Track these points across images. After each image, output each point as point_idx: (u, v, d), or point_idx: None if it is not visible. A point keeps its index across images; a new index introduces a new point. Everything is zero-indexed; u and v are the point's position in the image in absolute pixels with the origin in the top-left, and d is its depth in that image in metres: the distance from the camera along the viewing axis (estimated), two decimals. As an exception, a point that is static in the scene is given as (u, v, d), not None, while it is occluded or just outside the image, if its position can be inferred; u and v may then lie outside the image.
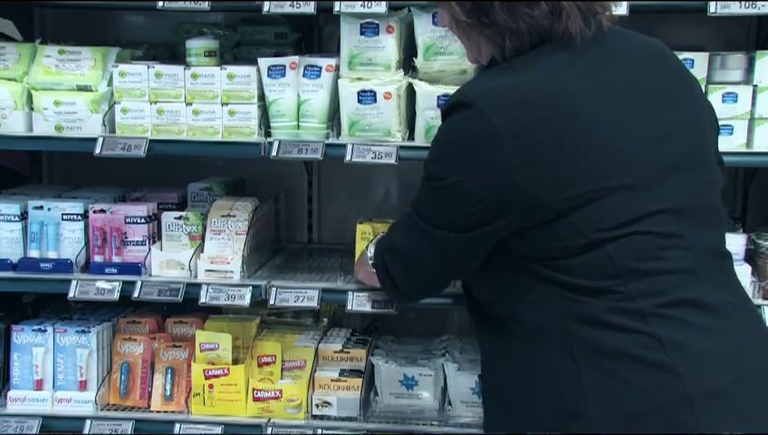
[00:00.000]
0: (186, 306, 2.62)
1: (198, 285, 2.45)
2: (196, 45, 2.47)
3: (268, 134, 2.45)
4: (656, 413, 1.41)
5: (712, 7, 2.16)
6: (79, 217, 2.55)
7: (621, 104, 1.51)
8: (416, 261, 1.73)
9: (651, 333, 1.44)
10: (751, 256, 2.36)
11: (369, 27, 2.37)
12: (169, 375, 2.56)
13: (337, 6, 2.33)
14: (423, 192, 1.65)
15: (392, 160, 2.34)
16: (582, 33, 1.53)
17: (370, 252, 2.04)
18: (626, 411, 1.43)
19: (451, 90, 2.35)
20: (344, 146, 2.37)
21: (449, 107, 1.55)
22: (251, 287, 2.44)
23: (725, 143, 2.26)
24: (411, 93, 2.42)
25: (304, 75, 2.42)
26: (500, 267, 1.61)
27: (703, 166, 1.57)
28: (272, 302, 2.44)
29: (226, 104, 2.44)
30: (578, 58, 1.52)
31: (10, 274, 2.52)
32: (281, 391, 2.51)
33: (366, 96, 2.37)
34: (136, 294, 2.45)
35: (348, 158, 2.35)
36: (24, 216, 2.56)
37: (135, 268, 2.51)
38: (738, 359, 1.48)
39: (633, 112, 1.52)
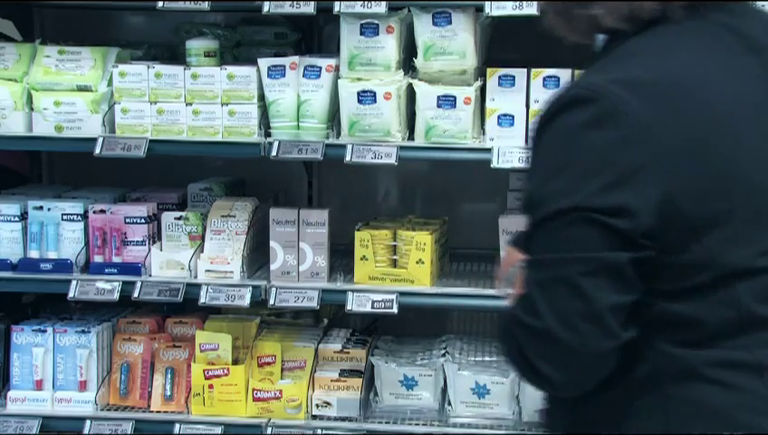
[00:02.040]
0: (186, 306, 2.62)
1: (198, 286, 2.45)
2: (196, 45, 2.47)
3: (268, 134, 2.44)
4: None
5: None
6: (79, 218, 2.55)
7: (759, 103, 1.25)
8: (564, 320, 1.20)
9: (764, 394, 1.20)
10: None
11: (369, 27, 2.37)
12: (169, 375, 2.56)
13: (337, 6, 2.33)
14: (540, 232, 1.23)
15: (392, 161, 2.34)
16: (707, 10, 1.25)
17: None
18: None
19: (451, 90, 2.38)
20: (344, 146, 2.37)
21: (564, 104, 1.22)
22: (251, 287, 2.44)
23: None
24: (411, 93, 2.42)
25: (304, 75, 2.42)
26: None
27: None
28: (272, 302, 2.44)
29: (226, 104, 2.44)
30: (715, 46, 1.25)
31: (10, 274, 2.52)
32: (281, 392, 2.51)
33: (366, 96, 2.37)
34: (136, 295, 2.45)
35: (348, 158, 2.35)
36: (23, 216, 2.56)
37: (135, 268, 2.50)
38: None
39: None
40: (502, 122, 2.40)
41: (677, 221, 1.18)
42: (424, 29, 2.36)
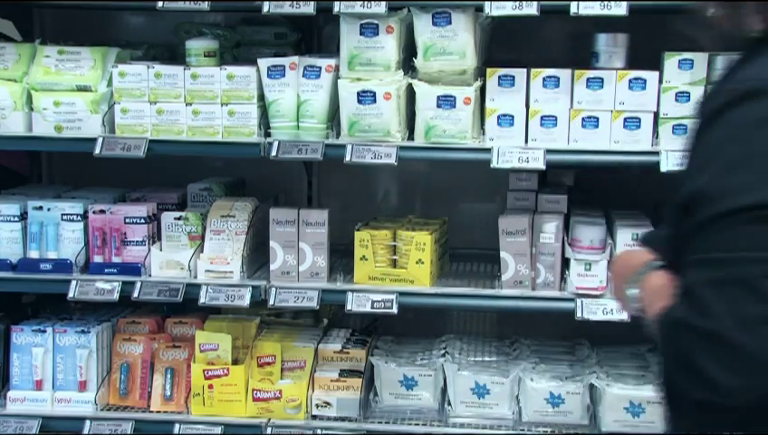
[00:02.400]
0: (185, 307, 2.62)
1: (198, 286, 2.45)
2: (195, 46, 2.47)
3: (268, 134, 2.44)
4: None
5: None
6: (78, 218, 2.55)
7: None
8: (741, 322, 1.10)
9: None
10: None
11: (369, 27, 2.37)
12: (169, 375, 2.56)
13: (336, 7, 2.33)
14: (723, 222, 1.13)
15: (392, 161, 2.34)
16: None
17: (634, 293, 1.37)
18: None
19: (451, 90, 2.37)
20: (344, 146, 2.37)
21: (742, 96, 1.15)
22: (250, 287, 2.44)
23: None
24: (411, 94, 2.42)
25: (304, 75, 2.42)
26: None
27: None
28: (271, 302, 2.45)
29: (226, 104, 2.44)
30: None
31: (9, 274, 2.52)
32: (280, 392, 2.51)
33: (366, 96, 2.37)
34: (135, 295, 2.45)
35: (347, 158, 2.35)
36: (23, 216, 2.56)
37: (135, 268, 2.50)
38: None
39: None
40: (501, 122, 2.40)
41: None
42: (424, 29, 2.36)
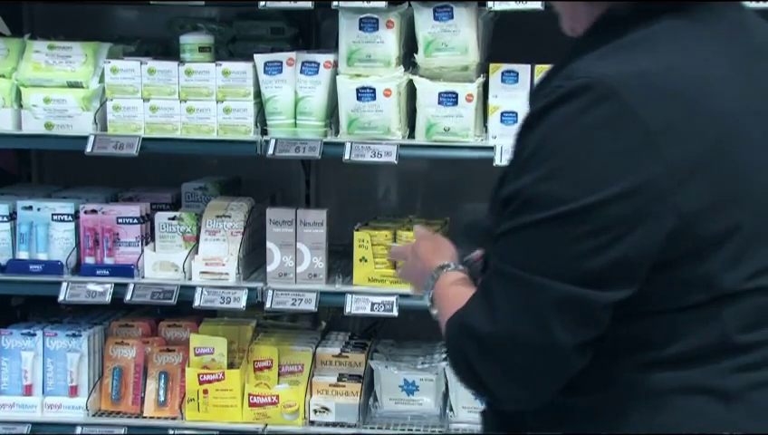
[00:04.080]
0: (180, 309, 2.60)
1: (193, 288, 2.43)
2: (190, 41, 2.45)
3: (264, 132, 2.43)
4: None
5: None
6: (69, 218, 2.52)
7: (763, 111, 1.16)
8: (522, 343, 1.11)
9: (730, 422, 1.13)
10: None
11: (369, 22, 2.35)
12: (163, 380, 2.53)
13: (335, 1, 2.30)
14: (525, 235, 1.11)
15: (392, 159, 2.32)
16: (719, 7, 1.17)
17: (428, 296, 1.37)
18: None
19: (453, 86, 2.36)
20: (343, 144, 2.35)
21: (567, 94, 1.09)
22: (247, 290, 2.42)
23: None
24: (412, 90, 2.40)
25: (302, 72, 2.40)
26: None
27: None
28: (268, 305, 2.43)
29: (221, 101, 2.42)
30: (727, 46, 1.16)
31: (-2, 276, 2.49)
32: (277, 397, 2.49)
33: (365, 93, 2.35)
34: (128, 297, 2.43)
35: (346, 156, 2.33)
36: (12, 216, 2.53)
37: (127, 270, 2.48)
38: None
39: None
40: (505, 120, 2.38)
41: (685, 244, 1.09)
42: (425, 24, 2.34)
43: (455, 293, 1.28)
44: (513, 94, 2.37)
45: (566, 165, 1.08)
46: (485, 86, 2.40)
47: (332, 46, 2.52)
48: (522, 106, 2.37)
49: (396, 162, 2.33)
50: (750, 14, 1.23)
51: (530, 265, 1.10)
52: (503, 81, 2.38)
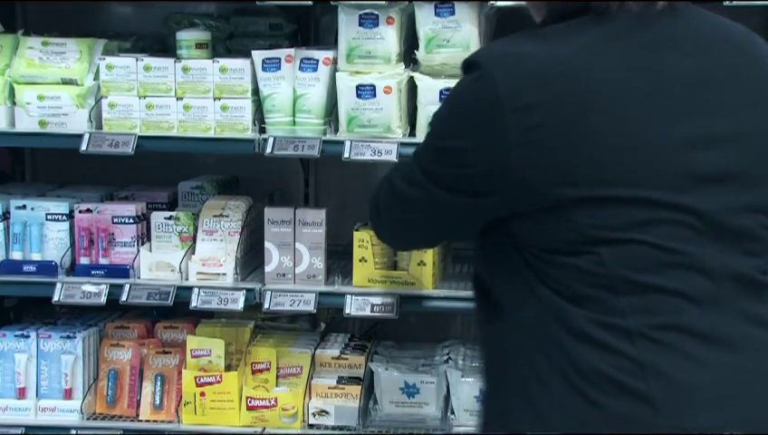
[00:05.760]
0: (176, 310, 2.60)
1: (189, 289, 2.42)
2: (186, 37, 2.44)
3: (262, 130, 2.41)
4: None
5: (728, -3, 2.15)
6: (64, 217, 2.51)
7: (657, 98, 1.34)
8: (405, 209, 1.56)
9: (633, 356, 1.30)
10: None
11: (369, 18, 2.33)
12: (159, 383, 2.52)
13: (335, -4, 2.30)
14: (425, 143, 1.51)
15: (393, 158, 2.31)
16: (627, 7, 1.36)
17: None
18: (589, 433, 1.32)
19: (454, 83, 2.31)
20: (342, 143, 2.33)
21: (464, 66, 1.41)
22: (244, 291, 2.41)
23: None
24: (412, 87, 2.38)
25: (300, 69, 2.39)
26: (498, 250, 1.45)
27: (754, 186, 1.37)
28: (266, 306, 2.41)
29: (219, 99, 2.41)
30: (619, 37, 1.35)
31: (-9, 277, 2.48)
32: (276, 400, 2.48)
33: (365, 90, 2.34)
34: (124, 298, 2.42)
35: (346, 155, 2.32)
36: (5, 215, 2.51)
37: (123, 270, 2.47)
38: (738, 400, 1.33)
39: (670, 109, 1.34)
40: (507, 118, 2.35)
41: (532, 199, 1.33)
42: (426, 20, 2.32)
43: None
44: (516, 92, 2.36)
45: (444, 112, 1.43)
46: (487, 84, 2.38)
47: (332, 43, 2.51)
48: (524, 104, 2.36)
49: (396, 161, 2.30)
50: (681, 14, 1.39)
51: (420, 159, 1.48)
52: (505, 78, 2.37)
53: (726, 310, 1.33)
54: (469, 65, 1.37)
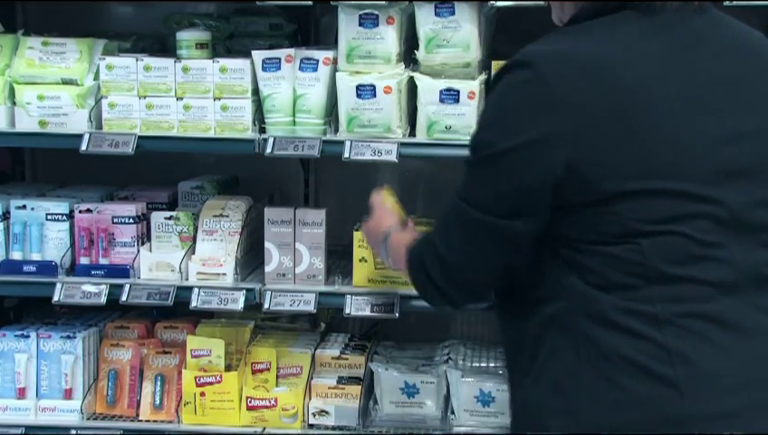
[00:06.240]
0: (176, 310, 2.60)
1: (189, 289, 2.41)
2: (186, 37, 2.43)
3: (262, 130, 2.41)
4: (648, 427, 1.36)
5: (729, -3, 2.14)
6: (64, 217, 2.50)
7: (694, 94, 1.39)
8: (465, 258, 1.52)
9: (661, 342, 1.36)
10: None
11: (369, 18, 2.33)
12: (159, 383, 2.51)
13: (335, -4, 2.29)
14: (468, 173, 1.48)
15: (393, 158, 2.31)
16: (668, 5, 1.41)
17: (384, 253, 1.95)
18: (617, 419, 1.38)
19: (454, 84, 2.35)
20: (342, 143, 2.33)
21: (506, 67, 1.42)
22: (244, 291, 2.40)
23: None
24: (412, 87, 2.38)
25: (300, 69, 2.38)
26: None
27: None
28: (266, 306, 2.41)
29: (219, 99, 2.40)
30: (658, 33, 1.41)
31: (-9, 277, 2.47)
32: (276, 400, 2.47)
33: (365, 90, 2.33)
34: (124, 298, 2.41)
35: (346, 155, 2.31)
36: (5, 215, 2.51)
37: (123, 271, 2.46)
38: (758, 386, 1.39)
39: (704, 105, 1.40)
40: (507, 118, 2.35)
41: (584, 192, 1.36)
42: (426, 20, 2.31)
43: (398, 240, 1.89)
44: (516, 92, 2.35)
45: (492, 119, 1.45)
46: (488, 83, 2.35)
47: (332, 43, 2.50)
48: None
49: (396, 161, 2.30)
50: (708, 13, 1.46)
51: (465, 194, 1.49)
52: (505, 78, 2.36)
53: (743, 299, 1.40)
54: (514, 65, 1.40)
